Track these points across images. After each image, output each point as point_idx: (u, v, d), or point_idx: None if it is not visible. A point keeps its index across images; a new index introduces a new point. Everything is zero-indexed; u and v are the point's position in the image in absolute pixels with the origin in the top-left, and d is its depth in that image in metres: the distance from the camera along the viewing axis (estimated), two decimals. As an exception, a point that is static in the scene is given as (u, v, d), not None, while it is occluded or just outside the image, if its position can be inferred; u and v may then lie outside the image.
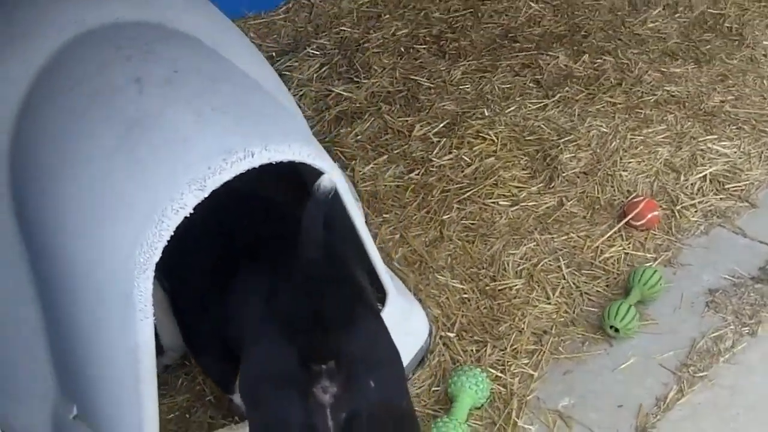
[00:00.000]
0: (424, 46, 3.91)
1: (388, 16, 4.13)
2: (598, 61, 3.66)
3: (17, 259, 2.37)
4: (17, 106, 2.27)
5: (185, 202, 1.99)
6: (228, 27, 2.72)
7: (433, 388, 2.58)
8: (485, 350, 2.65)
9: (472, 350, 2.66)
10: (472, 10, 4.08)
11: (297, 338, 1.78)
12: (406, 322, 2.57)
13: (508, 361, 2.62)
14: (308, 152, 2.14)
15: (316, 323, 1.77)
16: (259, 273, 1.99)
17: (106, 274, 2.09)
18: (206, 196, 2.00)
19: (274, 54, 3.97)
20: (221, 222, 2.14)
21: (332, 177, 1.77)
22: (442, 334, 2.71)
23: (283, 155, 2.09)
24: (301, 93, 3.71)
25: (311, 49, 3.93)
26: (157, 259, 2.02)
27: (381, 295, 2.55)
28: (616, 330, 2.61)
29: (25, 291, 2.39)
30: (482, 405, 2.52)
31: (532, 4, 4.06)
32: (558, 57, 3.69)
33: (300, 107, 3.55)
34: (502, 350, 2.64)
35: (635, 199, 2.96)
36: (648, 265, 2.77)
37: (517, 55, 3.76)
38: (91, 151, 2.12)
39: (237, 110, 2.16)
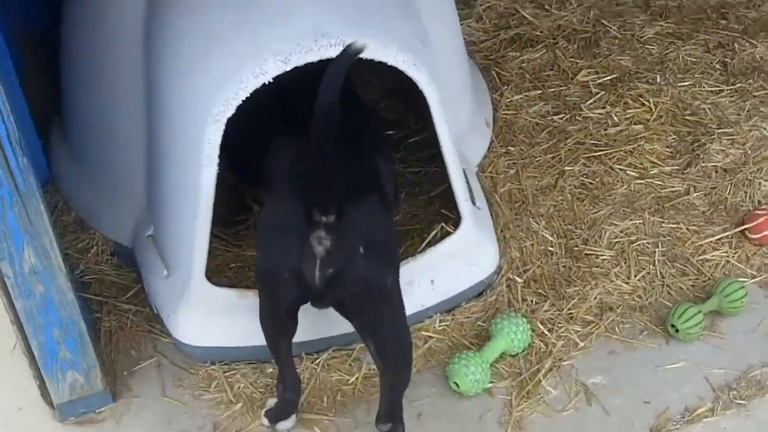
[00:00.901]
0: (632, -6, 3.76)
1: (611, -46, 3.97)
2: (798, 62, 3.42)
3: (138, 84, 2.56)
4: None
5: (266, 69, 2.10)
6: None
7: (479, 323, 2.62)
8: (543, 305, 2.64)
9: (531, 300, 2.66)
10: (698, -28, 3.87)
11: (305, 193, 1.96)
12: (470, 252, 2.60)
13: (559, 323, 2.60)
14: (403, 59, 2.18)
15: (325, 185, 1.92)
16: (289, 138, 2.11)
17: (187, 115, 2.25)
18: (288, 69, 2.08)
19: (484, -44, 3.93)
20: (281, 91, 2.21)
21: (364, 43, 1.80)
22: (510, 276, 2.72)
23: (377, 54, 2.14)
24: (489, 4, 3.68)
25: (517, -35, 3.86)
26: (230, 114, 2.15)
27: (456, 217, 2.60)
28: (676, 330, 2.53)
29: (140, 112, 2.59)
30: (517, 354, 2.53)
31: (760, -16, 3.80)
32: (757, 47, 3.48)
33: (481, 18, 3.57)
34: (559, 310, 2.62)
35: (758, 212, 2.81)
36: (739, 280, 2.64)
37: (718, 32, 3.57)
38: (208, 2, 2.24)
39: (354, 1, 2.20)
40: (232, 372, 2.52)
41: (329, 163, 1.90)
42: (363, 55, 2.09)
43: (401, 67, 2.20)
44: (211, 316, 2.47)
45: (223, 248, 2.73)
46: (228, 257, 2.71)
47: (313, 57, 2.10)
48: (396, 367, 2.18)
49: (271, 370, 2.51)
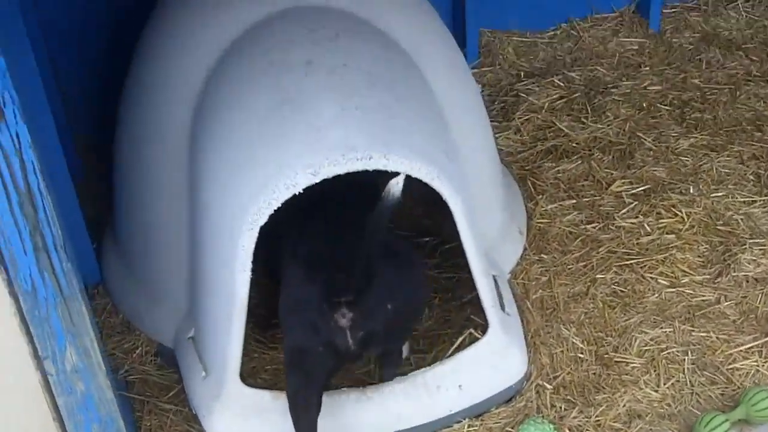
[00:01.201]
0: (668, 108, 3.86)
1: (647, 68, 4.10)
2: (832, 177, 3.46)
3: (184, 186, 2.71)
4: (211, 66, 2.58)
5: (297, 181, 2.22)
6: (437, 36, 2.89)
7: (507, 428, 2.65)
8: (572, 412, 2.67)
9: (560, 407, 2.69)
10: (732, 87, 3.95)
11: (321, 279, 2.21)
12: (499, 358, 2.65)
13: (587, 430, 2.62)
14: (427, 171, 2.28)
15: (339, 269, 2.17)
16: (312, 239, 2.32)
17: (224, 222, 2.38)
18: (317, 181, 2.20)
19: (522, 73, 4.08)
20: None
21: (399, 183, 2.01)
22: (540, 382, 2.75)
23: (401, 167, 2.25)
24: (527, 118, 3.80)
25: (557, 79, 4.00)
26: (262, 222, 2.26)
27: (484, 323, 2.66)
28: (703, 439, 2.54)
29: (183, 219, 2.73)
30: (544, 460, 2.56)
31: (796, 97, 3.87)
32: (793, 158, 3.53)
33: (519, 130, 3.69)
34: (588, 417, 2.65)
35: (789, 321, 2.82)
36: (767, 388, 2.65)
37: (753, 144, 3.63)
38: (248, 115, 2.40)
39: (378, 114, 2.35)
40: (265, 472, 2.58)
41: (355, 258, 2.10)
42: (389, 168, 2.23)
43: (425, 179, 2.31)
44: (245, 416, 2.55)
45: (259, 350, 2.82)
46: (264, 359, 2.81)
47: (341, 170, 2.22)
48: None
49: (301, 471, 2.56)
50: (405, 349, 2.75)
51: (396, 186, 2.07)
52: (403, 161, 2.27)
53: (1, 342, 2.25)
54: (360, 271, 2.18)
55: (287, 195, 2.24)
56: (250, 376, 2.69)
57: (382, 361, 2.58)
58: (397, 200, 2.09)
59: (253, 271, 2.38)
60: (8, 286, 2.13)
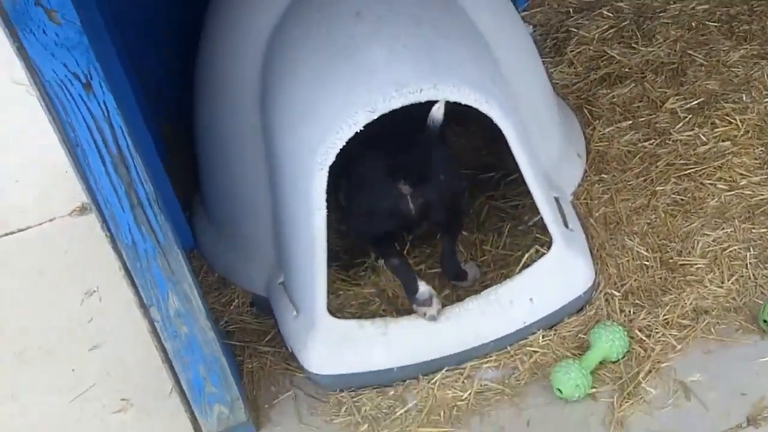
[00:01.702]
0: (716, 24, 3.94)
1: (695, -11, 4.17)
2: None
3: (260, 145, 2.93)
4: (273, 26, 2.79)
5: (357, 119, 2.43)
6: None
7: (580, 335, 2.82)
8: (640, 314, 2.82)
9: (629, 311, 2.85)
10: (780, -4, 4.02)
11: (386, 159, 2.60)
12: (564, 271, 2.82)
13: (656, 329, 2.78)
14: (475, 97, 2.46)
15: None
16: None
17: (296, 168, 2.60)
18: (375, 118, 2.41)
19: (571, 10, 4.20)
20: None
21: (441, 107, 2.27)
22: (608, 291, 2.91)
23: (450, 95, 2.44)
24: (578, 51, 3.93)
25: (606, 10, 4.11)
26: (331, 161, 2.48)
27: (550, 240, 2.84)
28: (768, 324, 2.67)
29: (263, 175, 2.96)
30: (617, 360, 2.72)
31: None
32: (844, 62, 3.59)
33: (572, 63, 3.83)
34: (656, 318, 2.80)
35: None
36: (828, 272, 2.77)
37: (805, 49, 3.70)
38: (306, 67, 2.62)
39: (425, 51, 2.54)
40: (359, 396, 2.80)
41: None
42: (439, 97, 2.41)
43: (474, 104, 2.49)
44: (336, 346, 2.77)
45: (344, 288, 3.04)
46: (349, 295, 3.02)
47: (396, 104, 2.42)
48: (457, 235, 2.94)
49: (392, 392, 2.78)
50: (477, 273, 2.94)
51: (437, 111, 2.34)
52: (452, 89, 2.45)
53: (111, 294, 2.52)
54: (417, 155, 2.54)
55: (350, 134, 2.45)
56: (337, 311, 2.91)
57: (442, 241, 2.91)
58: (440, 123, 2.31)
59: (329, 211, 2.60)
60: (111, 242, 2.38)
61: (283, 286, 2.98)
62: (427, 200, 2.68)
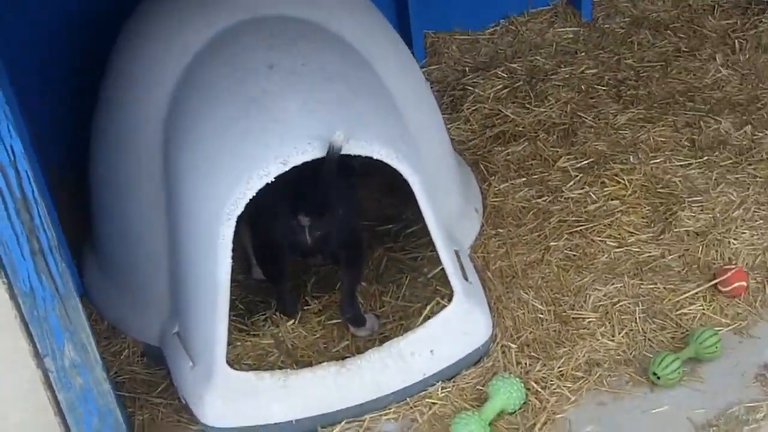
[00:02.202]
0: (605, 88, 4.11)
1: (583, 54, 4.36)
2: (759, 134, 3.72)
3: (159, 192, 2.90)
4: (178, 76, 2.79)
5: (269, 171, 2.43)
6: (386, 37, 3.13)
7: (478, 387, 2.86)
8: (536, 366, 2.89)
9: (525, 363, 2.91)
10: (663, 63, 4.22)
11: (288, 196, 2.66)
12: (465, 322, 2.87)
13: (551, 381, 2.84)
14: (387, 152, 2.51)
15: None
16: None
17: (202, 217, 2.58)
18: (287, 169, 2.41)
19: (467, 69, 4.32)
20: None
21: (340, 135, 2.39)
22: (504, 343, 2.97)
23: (362, 150, 2.47)
24: (474, 108, 4.04)
25: (500, 71, 4.24)
26: (239, 212, 2.47)
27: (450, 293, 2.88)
28: (658, 377, 2.77)
29: (161, 223, 2.92)
30: (514, 411, 2.77)
31: (722, 69, 4.14)
32: (721, 122, 3.79)
33: (468, 120, 3.92)
34: (551, 370, 2.87)
35: (727, 266, 3.07)
36: (713, 328, 2.89)
37: (686, 114, 3.89)
38: (216, 116, 2.61)
39: (338, 106, 2.57)
40: (257, 449, 2.77)
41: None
42: (351, 151, 2.44)
43: (385, 159, 2.53)
44: (233, 399, 2.74)
45: (241, 338, 3.01)
46: (247, 346, 3.00)
47: (308, 157, 2.44)
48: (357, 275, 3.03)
49: (292, 444, 2.76)
50: (375, 323, 2.96)
51: (338, 139, 2.43)
52: (363, 144, 2.49)
53: (3, 343, 2.42)
54: (317, 193, 2.63)
55: (260, 185, 2.45)
56: (235, 362, 2.88)
57: (342, 280, 3.02)
58: (339, 151, 2.43)
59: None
60: (8, 289, 2.31)
61: (177, 336, 2.93)
62: (324, 233, 2.78)
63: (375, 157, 2.52)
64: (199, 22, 2.85)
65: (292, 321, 3.05)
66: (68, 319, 2.41)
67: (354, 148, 2.48)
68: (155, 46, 2.85)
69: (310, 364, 2.84)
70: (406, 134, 2.78)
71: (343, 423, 2.79)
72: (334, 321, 3.07)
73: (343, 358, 2.84)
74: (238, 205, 2.47)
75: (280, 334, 3.03)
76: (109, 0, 3.55)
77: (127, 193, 3.02)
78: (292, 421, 2.73)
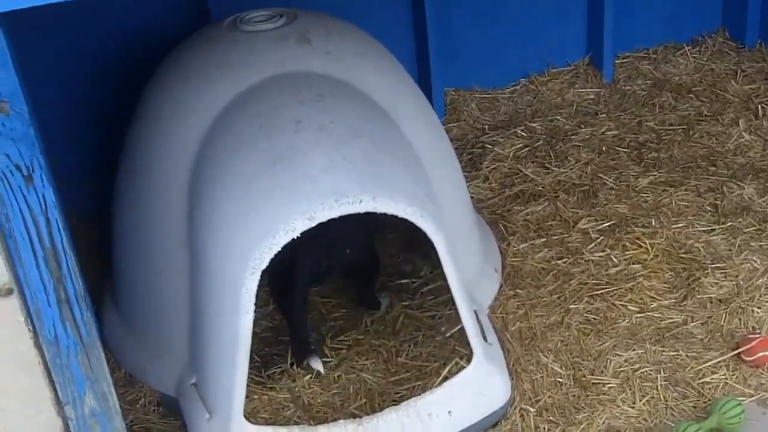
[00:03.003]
0: (626, 150, 4.12)
1: (604, 115, 4.37)
2: (784, 200, 3.72)
3: (182, 246, 2.90)
4: (204, 133, 2.80)
5: (295, 226, 2.43)
6: (410, 94, 3.14)
7: (495, 451, 2.84)
8: (555, 431, 2.86)
9: (543, 428, 2.88)
10: (685, 127, 4.23)
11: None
12: (484, 384, 2.85)
13: (570, 448, 2.82)
14: (412, 211, 2.51)
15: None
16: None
17: (227, 269, 2.57)
18: (313, 225, 2.42)
19: (486, 127, 4.34)
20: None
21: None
22: (523, 406, 2.95)
23: (388, 208, 2.47)
24: (494, 167, 4.05)
25: (520, 130, 4.26)
26: (264, 266, 2.46)
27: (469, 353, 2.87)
28: (680, 448, 2.74)
29: (183, 275, 2.92)
30: (534, 477, 2.74)
31: (745, 135, 4.15)
32: (745, 188, 3.79)
33: (488, 179, 3.93)
34: (569, 436, 2.85)
35: (751, 335, 3.05)
36: (736, 398, 2.86)
37: (708, 178, 3.89)
38: (244, 172, 2.62)
39: (365, 163, 2.57)
40: (272, 506, 2.74)
41: None
42: (378, 209, 2.45)
43: (410, 218, 2.53)
44: (250, 453, 2.71)
45: (259, 391, 2.99)
46: (264, 400, 2.97)
47: (334, 214, 2.44)
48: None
49: (307, 502, 2.73)
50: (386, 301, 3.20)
51: None
52: (389, 202, 2.49)
53: (26, 389, 2.41)
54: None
55: (286, 240, 2.45)
56: (251, 415, 2.86)
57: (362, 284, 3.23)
58: None
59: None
60: (34, 336, 2.31)
61: (195, 387, 2.92)
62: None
63: (400, 216, 2.52)
64: (226, 78, 2.87)
65: (309, 375, 3.02)
66: (90, 368, 2.40)
67: (380, 206, 2.48)
68: (181, 101, 2.88)
69: (326, 421, 2.81)
70: (430, 192, 2.79)
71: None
72: (351, 375, 3.05)
73: (359, 416, 2.81)
74: (263, 259, 2.47)
75: (296, 389, 3.00)
76: (137, 50, 3.60)
77: (150, 245, 3.03)
78: (308, 477, 2.70)
